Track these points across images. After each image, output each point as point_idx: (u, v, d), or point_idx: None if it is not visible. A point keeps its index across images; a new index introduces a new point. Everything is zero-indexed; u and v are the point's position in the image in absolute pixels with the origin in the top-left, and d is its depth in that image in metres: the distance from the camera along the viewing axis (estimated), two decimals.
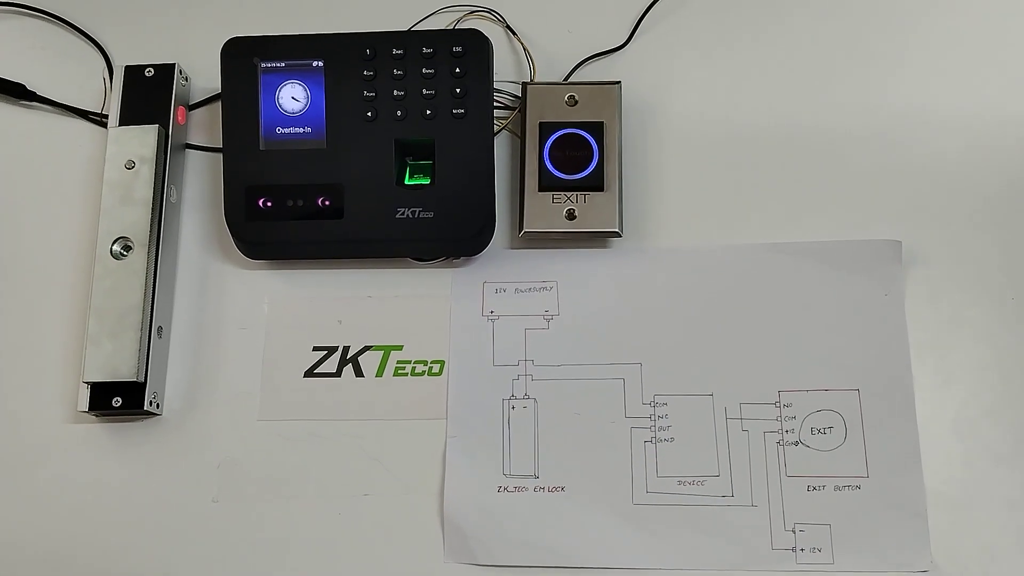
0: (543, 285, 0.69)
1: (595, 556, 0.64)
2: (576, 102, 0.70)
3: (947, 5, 0.74)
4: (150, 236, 0.68)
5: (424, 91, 0.68)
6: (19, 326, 0.71)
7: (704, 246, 0.69)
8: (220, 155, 0.70)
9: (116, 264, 0.68)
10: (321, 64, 0.69)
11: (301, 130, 0.68)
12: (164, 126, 0.71)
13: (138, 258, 0.68)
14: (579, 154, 0.69)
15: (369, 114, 0.68)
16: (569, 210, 0.68)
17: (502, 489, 0.65)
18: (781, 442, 0.65)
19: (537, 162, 0.69)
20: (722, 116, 0.72)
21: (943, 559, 0.62)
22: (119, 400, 0.66)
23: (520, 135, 0.71)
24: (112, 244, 0.68)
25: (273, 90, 0.69)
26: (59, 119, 0.75)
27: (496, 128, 0.72)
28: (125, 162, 0.70)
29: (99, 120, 0.75)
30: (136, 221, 0.68)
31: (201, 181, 0.74)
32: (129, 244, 0.68)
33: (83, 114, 0.75)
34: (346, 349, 0.69)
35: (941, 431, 0.64)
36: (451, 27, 0.75)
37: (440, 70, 0.68)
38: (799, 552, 0.63)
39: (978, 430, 0.64)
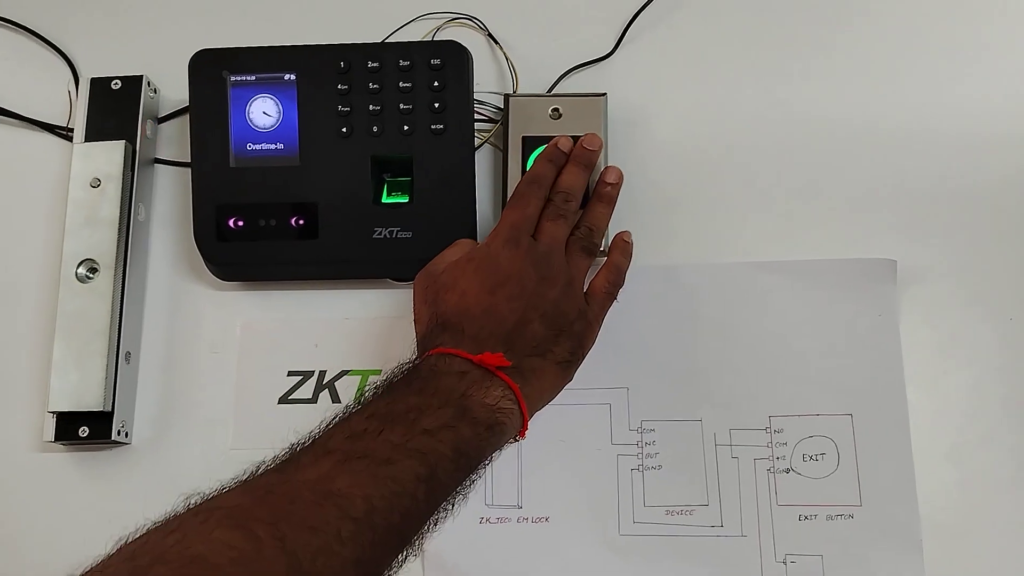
0: None
1: None
2: (560, 114, 0.68)
3: (945, 18, 0.71)
4: (116, 258, 0.65)
5: (401, 105, 0.65)
6: None
7: (692, 264, 0.67)
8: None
9: (82, 287, 0.65)
10: (293, 77, 0.66)
11: (273, 146, 0.66)
12: (132, 141, 0.68)
13: (104, 281, 0.65)
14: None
15: (344, 130, 0.65)
16: None
17: (484, 520, 0.63)
18: (772, 469, 0.63)
19: (519, 178, 0.66)
20: (711, 129, 0.69)
21: None
22: (86, 430, 0.63)
23: (503, 149, 0.68)
24: (77, 267, 0.65)
25: (243, 104, 0.66)
26: (24, 133, 0.73)
27: (478, 142, 0.69)
28: (91, 180, 0.67)
29: (65, 134, 0.72)
30: (102, 242, 0.66)
31: (171, 197, 0.71)
32: (95, 266, 0.65)
33: (49, 128, 0.72)
34: (322, 374, 0.66)
35: (937, 458, 0.62)
36: (431, 35, 0.72)
37: (417, 83, 0.65)
38: None
39: (975, 457, 0.62)
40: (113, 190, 0.66)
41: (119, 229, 0.66)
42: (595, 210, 0.64)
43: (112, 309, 0.64)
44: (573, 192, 0.62)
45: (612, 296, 0.63)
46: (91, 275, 0.65)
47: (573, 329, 0.59)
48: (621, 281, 0.63)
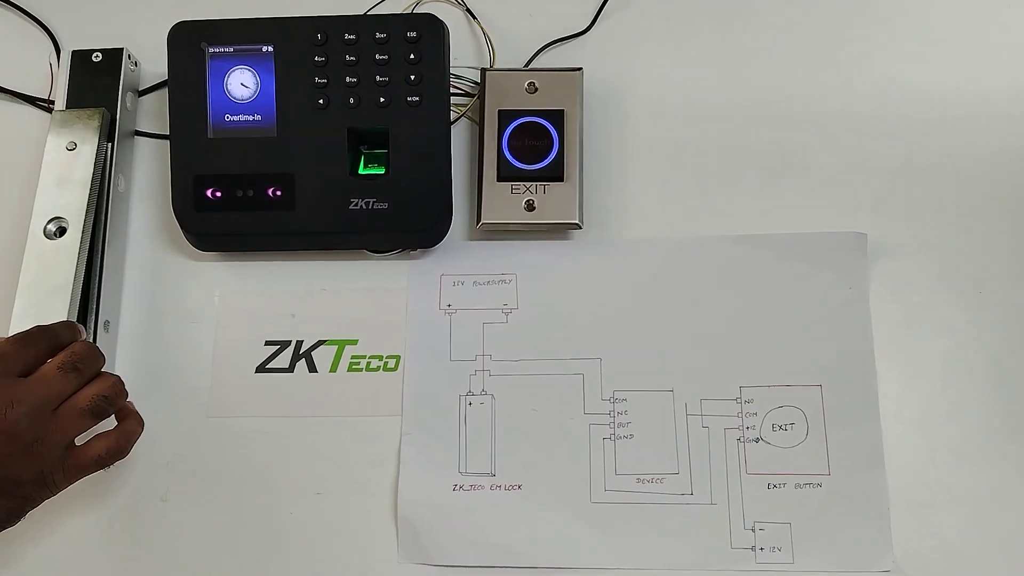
0: (502, 278, 0.68)
1: (552, 556, 0.62)
2: (536, 89, 0.68)
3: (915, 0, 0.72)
4: (86, 218, 0.65)
5: (378, 78, 0.66)
6: None
7: (666, 238, 0.67)
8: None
9: (49, 244, 0.65)
10: (271, 49, 0.66)
11: (251, 118, 0.66)
12: (112, 112, 0.69)
13: (72, 240, 0.65)
14: (539, 143, 0.67)
15: (321, 101, 0.66)
16: (528, 201, 0.66)
17: (458, 487, 0.64)
18: (742, 439, 0.64)
19: (496, 151, 0.67)
20: (686, 104, 0.70)
21: (906, 559, 0.61)
22: None
23: (479, 123, 0.69)
24: (46, 224, 0.65)
25: (222, 76, 0.67)
26: (4, 105, 0.73)
27: (454, 115, 0.70)
28: (67, 144, 0.67)
29: (46, 106, 0.73)
30: (72, 202, 0.65)
31: (152, 169, 0.72)
32: (64, 225, 0.65)
33: (30, 100, 0.73)
34: (299, 344, 0.67)
35: (905, 428, 0.63)
36: (410, 9, 0.73)
37: (394, 56, 0.66)
38: (759, 551, 0.61)
39: (943, 427, 0.63)
40: (88, 153, 0.67)
41: (91, 190, 0.66)
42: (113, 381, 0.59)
43: (77, 268, 0.64)
44: (88, 362, 0.57)
45: (104, 465, 0.58)
46: (59, 234, 0.65)
47: (18, 492, 0.54)
48: (125, 452, 0.59)
